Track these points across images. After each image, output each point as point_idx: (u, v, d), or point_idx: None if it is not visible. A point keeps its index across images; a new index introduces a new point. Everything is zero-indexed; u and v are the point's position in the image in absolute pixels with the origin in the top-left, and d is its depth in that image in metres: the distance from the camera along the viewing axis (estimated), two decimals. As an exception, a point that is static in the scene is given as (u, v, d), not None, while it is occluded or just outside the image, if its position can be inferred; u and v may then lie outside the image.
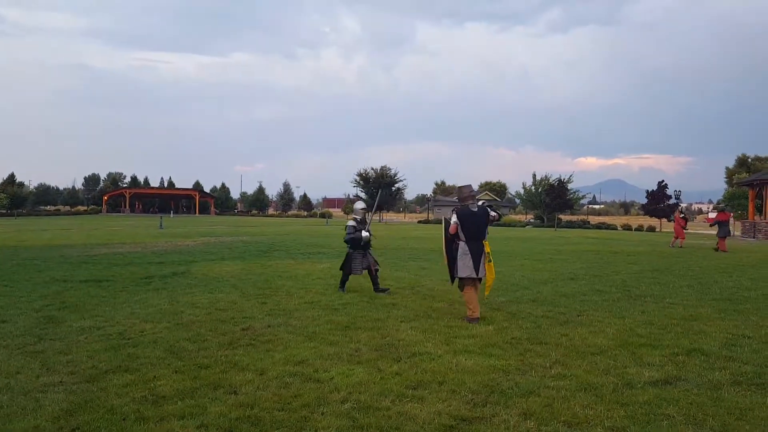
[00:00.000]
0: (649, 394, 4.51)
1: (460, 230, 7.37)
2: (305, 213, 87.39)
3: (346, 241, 9.51)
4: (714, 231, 22.44)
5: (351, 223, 9.55)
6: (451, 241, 7.61)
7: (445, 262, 7.86)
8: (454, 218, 7.42)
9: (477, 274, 7.31)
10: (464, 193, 7.65)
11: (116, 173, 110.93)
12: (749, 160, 50.68)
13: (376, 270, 9.57)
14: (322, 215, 74.28)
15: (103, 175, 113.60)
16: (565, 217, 58.61)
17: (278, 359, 5.38)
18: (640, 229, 48.68)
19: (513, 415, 4.08)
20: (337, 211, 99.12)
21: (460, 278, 7.43)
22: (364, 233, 9.33)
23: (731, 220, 26.84)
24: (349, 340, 6.12)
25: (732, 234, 22.07)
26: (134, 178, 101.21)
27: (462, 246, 7.37)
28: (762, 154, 50.47)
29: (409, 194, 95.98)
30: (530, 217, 64.96)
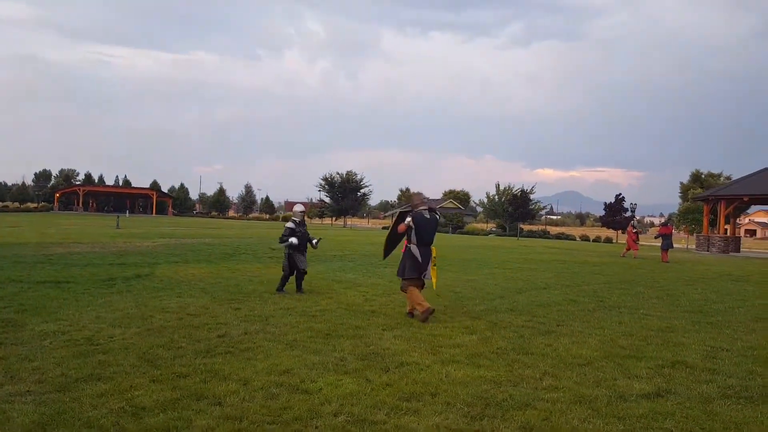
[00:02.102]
0: (643, 408, 4.47)
1: (414, 234, 7.80)
2: (267, 216, 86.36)
3: (281, 242, 9.82)
4: (659, 243, 23.98)
5: (289, 225, 9.87)
6: (394, 239, 8.34)
7: (383, 249, 8.61)
8: (408, 220, 7.79)
9: (424, 277, 7.86)
10: (416, 201, 8.11)
11: (69, 170, 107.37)
12: (702, 176, 52.49)
13: (304, 272, 9.84)
14: (285, 219, 73.47)
15: (54, 172, 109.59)
16: (526, 227, 59.55)
17: (261, 368, 5.14)
18: (597, 240, 49.90)
19: (512, 429, 3.97)
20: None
21: (405, 279, 7.85)
22: (293, 239, 9.63)
23: (674, 233, 28.56)
24: (333, 349, 5.92)
25: (673, 246, 23.54)
26: (88, 176, 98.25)
27: (414, 249, 7.83)
28: (714, 171, 52.39)
29: (373, 200, 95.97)
30: (492, 225, 65.76)
